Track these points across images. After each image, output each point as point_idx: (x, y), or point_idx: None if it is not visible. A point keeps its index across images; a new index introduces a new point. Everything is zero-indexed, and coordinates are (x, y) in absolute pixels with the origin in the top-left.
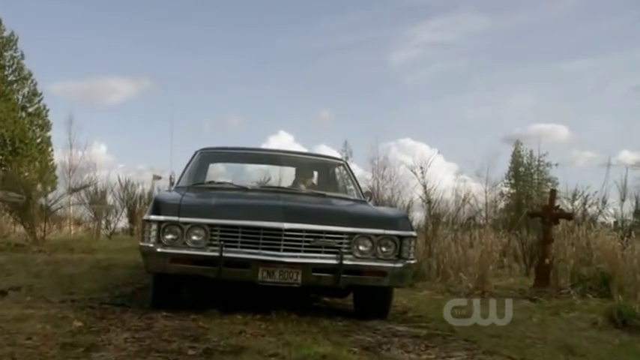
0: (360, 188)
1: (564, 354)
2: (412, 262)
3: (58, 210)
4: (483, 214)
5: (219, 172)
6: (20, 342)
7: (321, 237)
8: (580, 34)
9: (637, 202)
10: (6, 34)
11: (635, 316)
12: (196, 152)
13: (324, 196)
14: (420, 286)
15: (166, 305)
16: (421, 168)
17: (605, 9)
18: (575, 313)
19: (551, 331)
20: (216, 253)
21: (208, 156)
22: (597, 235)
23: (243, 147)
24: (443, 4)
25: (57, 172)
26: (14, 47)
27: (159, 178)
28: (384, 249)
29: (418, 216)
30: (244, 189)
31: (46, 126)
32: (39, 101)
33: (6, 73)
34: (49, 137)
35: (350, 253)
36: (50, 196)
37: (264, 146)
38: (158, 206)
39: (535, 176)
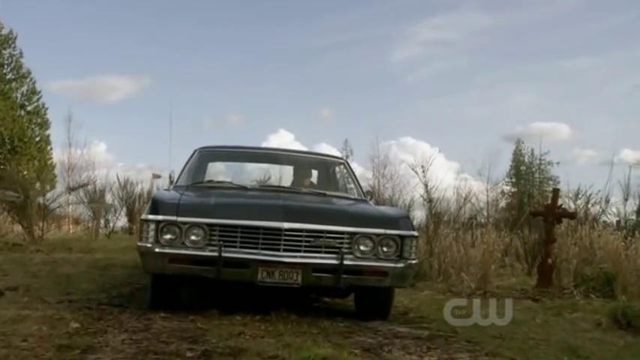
0: (360, 187)
1: (568, 356)
2: (414, 262)
3: (57, 209)
4: (485, 213)
5: (218, 171)
6: (16, 344)
7: (322, 237)
8: (581, 32)
9: None
10: (4, 31)
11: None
12: (195, 151)
13: (324, 195)
14: (421, 286)
15: (165, 306)
16: (422, 167)
17: (607, 7)
18: (578, 314)
19: (554, 332)
20: (215, 253)
21: (207, 155)
22: (600, 235)
23: (243, 146)
24: (444, 2)
25: (56, 171)
26: (13, 45)
27: (158, 176)
28: (385, 249)
29: (419, 215)
30: (244, 188)
31: (45, 124)
32: (38, 99)
33: (5, 71)
34: (48, 136)
35: (351, 253)
36: (49, 194)
37: (264, 145)
38: (156, 206)
39: (536, 175)
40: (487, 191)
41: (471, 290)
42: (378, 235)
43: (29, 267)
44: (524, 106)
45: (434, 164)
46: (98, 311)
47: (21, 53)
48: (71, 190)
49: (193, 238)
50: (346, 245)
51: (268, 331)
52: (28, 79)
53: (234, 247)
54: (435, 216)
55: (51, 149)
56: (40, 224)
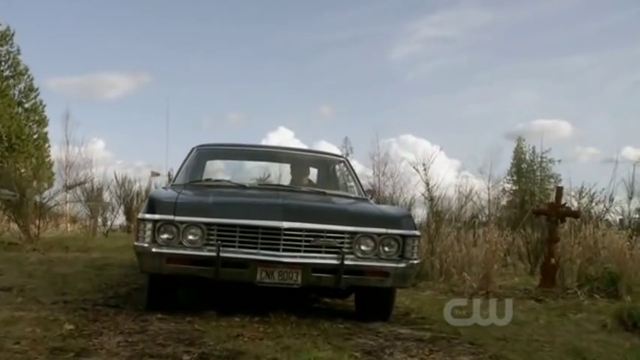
0: (361, 186)
1: (574, 358)
2: (415, 262)
3: (54, 207)
4: (486, 212)
5: (216, 170)
6: (8, 347)
7: (322, 236)
8: (582, 29)
9: None
10: (2, 28)
11: None
12: (193, 149)
13: (324, 194)
14: (422, 286)
15: (162, 307)
16: (423, 165)
17: (607, 5)
18: (582, 315)
19: (559, 333)
20: (214, 253)
21: (205, 153)
22: (605, 234)
23: (241, 144)
24: None
25: (54, 169)
26: (10, 42)
27: (157, 174)
28: (386, 249)
29: (419, 213)
30: (242, 187)
31: (42, 122)
32: (35, 97)
33: (2, 68)
34: (46, 133)
35: (351, 253)
36: (46, 193)
37: (263, 142)
38: (153, 204)
39: (537, 173)
40: (488, 189)
41: (473, 290)
42: (379, 234)
43: (24, 266)
44: (525, 103)
45: (435, 162)
46: (93, 312)
47: (18, 50)
48: (68, 188)
49: (191, 237)
50: (347, 245)
51: (267, 333)
52: (26, 76)
53: (233, 246)
54: (437, 215)
55: (49, 147)
56: (37, 223)
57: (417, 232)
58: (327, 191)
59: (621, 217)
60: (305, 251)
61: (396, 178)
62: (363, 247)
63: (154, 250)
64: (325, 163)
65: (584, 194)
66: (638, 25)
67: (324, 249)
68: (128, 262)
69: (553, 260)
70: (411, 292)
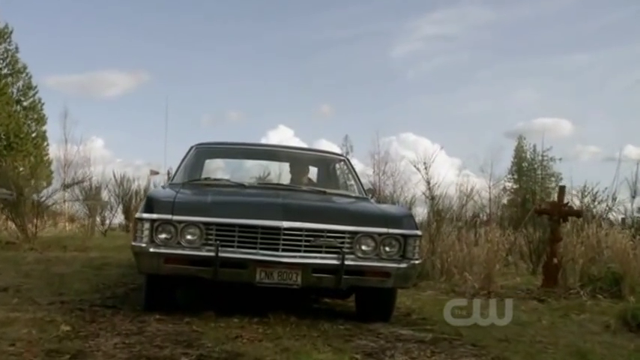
0: (361, 185)
1: None
2: (417, 262)
3: (52, 206)
4: (487, 211)
5: (215, 169)
6: (3, 348)
7: (322, 236)
8: (583, 27)
9: None
10: (0, 26)
11: None
12: (192, 147)
13: (324, 193)
14: (423, 286)
15: (160, 308)
16: (424, 164)
17: (608, 3)
18: (585, 315)
19: (562, 334)
20: (212, 253)
21: (204, 151)
22: (608, 234)
23: (241, 142)
24: None
25: (52, 167)
26: (8, 40)
27: (156, 173)
28: (387, 249)
29: (420, 211)
30: (241, 186)
31: (41, 120)
32: (34, 95)
33: (0, 66)
34: (45, 131)
35: (352, 253)
36: (44, 191)
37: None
38: (151, 204)
39: (538, 171)
40: (489, 188)
41: (474, 290)
42: (380, 234)
43: (22, 266)
44: (526, 101)
45: (436, 161)
46: (90, 313)
47: (17, 48)
48: (66, 187)
49: (189, 237)
50: (347, 245)
51: (266, 335)
52: (24, 74)
53: (232, 246)
54: (438, 214)
55: (47, 145)
56: (34, 222)
57: (419, 232)
58: (328, 190)
59: (623, 216)
60: (305, 251)
61: (397, 176)
62: (363, 247)
63: (151, 250)
64: (325, 162)
65: (586, 193)
66: (638, 23)
67: (324, 249)
68: (126, 262)
69: (555, 260)
70: (412, 292)
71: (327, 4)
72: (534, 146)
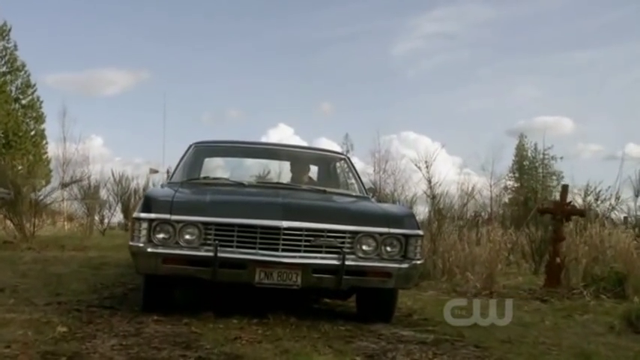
0: (362, 184)
1: None
2: (419, 262)
3: (50, 205)
4: (488, 209)
5: (214, 167)
6: None
7: (322, 236)
8: (584, 25)
9: None
10: None
11: None
12: (190, 146)
13: (324, 192)
14: (425, 286)
15: (158, 308)
16: (426, 162)
17: (609, 0)
18: (589, 316)
19: (565, 336)
20: (211, 253)
21: (203, 150)
22: (611, 233)
23: (240, 140)
24: None
25: (51, 166)
26: (7, 37)
27: (155, 171)
28: (388, 249)
29: (420, 210)
30: (241, 185)
31: (40, 118)
32: (32, 93)
33: None
34: (43, 130)
35: (353, 253)
36: (42, 190)
37: (263, 139)
38: (149, 203)
39: (540, 170)
40: (491, 187)
41: (476, 290)
42: (381, 234)
43: (19, 266)
44: (527, 99)
45: (436, 159)
46: (88, 314)
47: (15, 46)
48: (64, 185)
49: (188, 237)
50: (348, 245)
51: (266, 336)
52: (23, 73)
53: (231, 246)
54: (439, 212)
55: (46, 144)
56: (32, 221)
57: (421, 232)
58: (328, 189)
59: (626, 214)
60: (305, 251)
61: (397, 175)
62: (364, 247)
63: (149, 250)
64: (326, 161)
65: (589, 192)
66: (639, 21)
67: (324, 249)
68: (125, 262)
69: (558, 259)
70: (413, 292)
71: (327, 2)
72: (535, 144)
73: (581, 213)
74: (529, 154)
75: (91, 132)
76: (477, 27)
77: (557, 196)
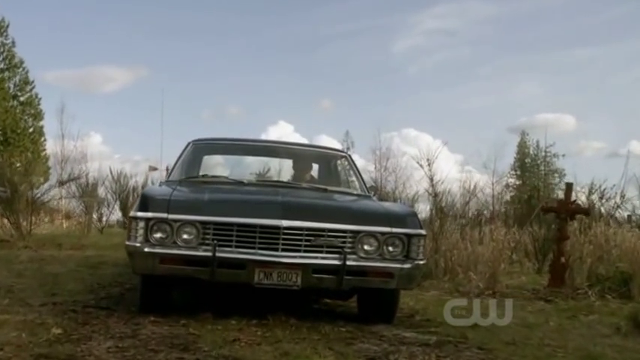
0: (364, 182)
1: None
2: (421, 262)
3: (48, 203)
4: (490, 208)
5: (213, 165)
6: None
7: (323, 235)
8: (585, 22)
9: None
10: None
11: None
12: (189, 143)
13: (325, 190)
14: (427, 286)
15: (155, 309)
16: (428, 160)
17: None
18: (594, 316)
19: (571, 337)
20: (209, 253)
21: (202, 148)
22: (616, 232)
23: (239, 138)
24: None
25: (49, 163)
26: (5, 34)
27: (155, 169)
28: (390, 248)
29: (422, 208)
30: (240, 183)
31: (38, 115)
32: (31, 90)
33: None
34: (42, 127)
35: (354, 253)
36: (40, 188)
37: (263, 137)
38: (146, 202)
39: (541, 167)
40: (493, 184)
41: (479, 290)
42: (383, 233)
43: (14, 265)
44: (529, 97)
45: (438, 157)
46: (83, 315)
47: (13, 42)
48: (62, 183)
49: (185, 236)
50: (349, 244)
51: (265, 337)
52: (21, 69)
53: (230, 246)
54: (441, 211)
55: (44, 141)
56: (29, 219)
57: (423, 231)
58: (329, 188)
59: (629, 213)
60: (305, 251)
61: (398, 173)
62: (366, 247)
63: (146, 249)
64: (326, 159)
65: (593, 190)
66: None
67: (325, 249)
68: (122, 261)
69: (562, 259)
70: (415, 292)
71: None
72: (537, 142)
73: (586, 212)
74: (531, 152)
75: (89, 129)
76: (478, 24)
77: (559, 194)
